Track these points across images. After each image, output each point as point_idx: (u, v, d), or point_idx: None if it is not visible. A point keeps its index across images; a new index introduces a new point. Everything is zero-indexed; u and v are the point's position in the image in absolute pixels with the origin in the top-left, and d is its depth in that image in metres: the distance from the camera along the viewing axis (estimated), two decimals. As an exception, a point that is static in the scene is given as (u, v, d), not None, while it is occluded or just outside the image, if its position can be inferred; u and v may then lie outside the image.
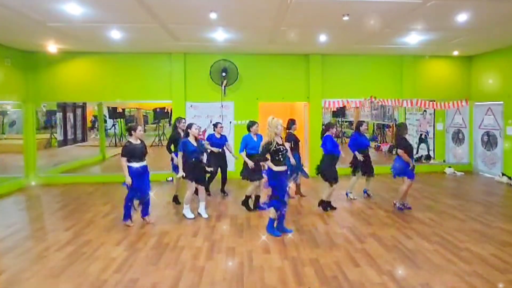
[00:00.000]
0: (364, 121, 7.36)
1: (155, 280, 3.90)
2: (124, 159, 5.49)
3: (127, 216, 5.68)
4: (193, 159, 5.85)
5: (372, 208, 6.63)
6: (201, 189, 6.10)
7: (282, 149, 5.07)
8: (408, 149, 6.25)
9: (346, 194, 7.24)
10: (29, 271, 4.13)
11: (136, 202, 5.72)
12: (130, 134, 5.69)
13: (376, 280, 3.87)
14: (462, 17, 6.25)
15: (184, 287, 3.77)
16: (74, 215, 6.31)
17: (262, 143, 5.20)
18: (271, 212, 5.21)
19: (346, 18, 6.14)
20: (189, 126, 5.96)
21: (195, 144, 5.88)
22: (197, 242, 5.00)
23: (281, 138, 5.28)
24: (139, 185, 5.59)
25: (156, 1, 5.42)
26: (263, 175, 5.63)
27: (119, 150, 16.51)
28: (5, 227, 5.71)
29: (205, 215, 6.10)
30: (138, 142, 5.67)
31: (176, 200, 7.04)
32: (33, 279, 3.97)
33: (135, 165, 5.55)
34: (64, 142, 10.49)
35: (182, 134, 6.59)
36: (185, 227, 5.66)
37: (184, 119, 7.33)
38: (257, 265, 4.27)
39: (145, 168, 5.68)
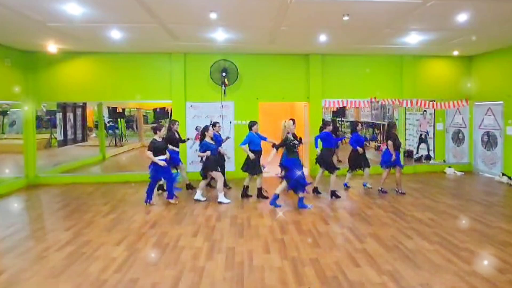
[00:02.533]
0: (358, 122, 8.86)
1: (155, 280, 3.91)
2: (150, 153, 6.63)
3: (150, 197, 6.84)
4: (215, 154, 7.06)
5: (372, 208, 6.63)
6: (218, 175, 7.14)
7: (296, 143, 6.49)
8: (395, 143, 7.38)
9: (364, 185, 8.17)
10: (29, 271, 4.14)
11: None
12: (155, 133, 6.77)
13: (376, 280, 3.87)
14: (462, 17, 6.24)
15: (184, 287, 3.78)
16: (74, 215, 6.32)
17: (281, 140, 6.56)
18: (277, 189, 6.58)
19: (346, 18, 6.14)
20: (206, 129, 7.00)
21: (212, 142, 7.01)
22: (197, 242, 5.00)
23: (294, 134, 6.65)
24: (165, 173, 6.83)
25: (156, 1, 5.42)
26: (263, 170, 7.06)
27: (119, 150, 16.46)
28: (5, 227, 5.71)
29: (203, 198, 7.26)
30: (161, 140, 6.82)
31: (190, 187, 8.07)
32: (33, 279, 3.97)
33: (162, 157, 6.74)
34: (64, 142, 10.49)
35: (176, 134, 7.81)
36: (185, 227, 5.66)
37: (177, 121, 8.04)
38: (257, 265, 4.28)
39: (165, 160, 6.88)
